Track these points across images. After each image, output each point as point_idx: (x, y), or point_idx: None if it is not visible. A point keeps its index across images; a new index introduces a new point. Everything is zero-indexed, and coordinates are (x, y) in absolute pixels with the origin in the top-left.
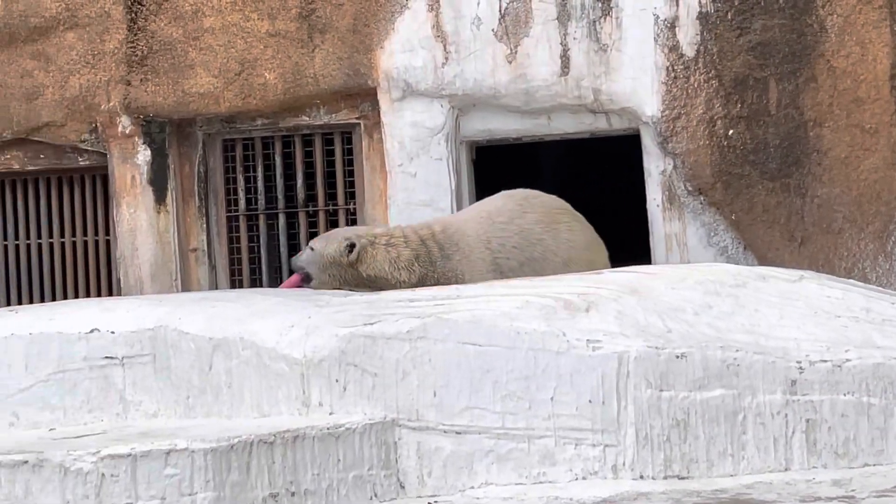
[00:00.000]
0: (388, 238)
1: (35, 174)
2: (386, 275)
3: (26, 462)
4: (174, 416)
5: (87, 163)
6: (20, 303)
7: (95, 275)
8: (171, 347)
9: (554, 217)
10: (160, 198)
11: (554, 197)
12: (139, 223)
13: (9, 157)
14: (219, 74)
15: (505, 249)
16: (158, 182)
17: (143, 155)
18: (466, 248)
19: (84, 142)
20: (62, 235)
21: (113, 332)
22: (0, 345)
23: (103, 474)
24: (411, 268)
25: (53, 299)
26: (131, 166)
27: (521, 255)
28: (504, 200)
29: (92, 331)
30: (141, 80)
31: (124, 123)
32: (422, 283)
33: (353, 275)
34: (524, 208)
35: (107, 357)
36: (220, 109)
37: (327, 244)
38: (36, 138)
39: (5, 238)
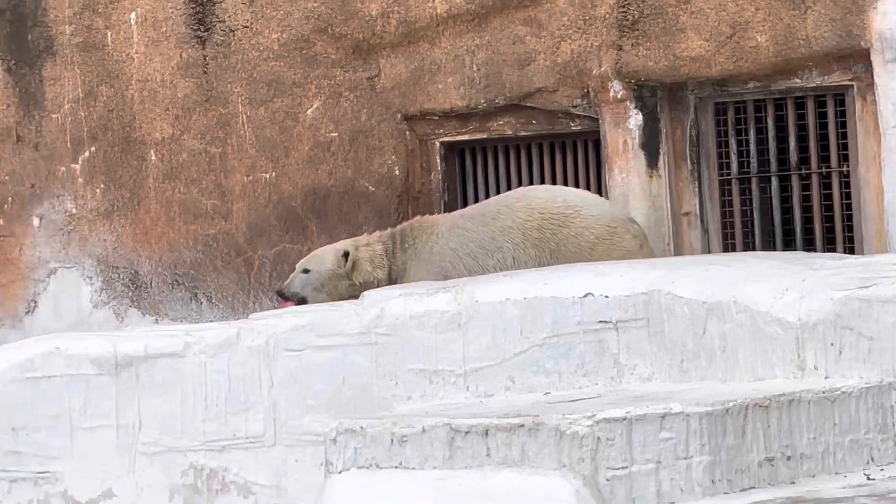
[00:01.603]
0: (367, 239)
1: (527, 140)
2: (368, 275)
3: (522, 425)
4: (668, 379)
5: (579, 128)
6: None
7: None
8: (665, 311)
9: (530, 225)
10: (652, 162)
11: (561, 195)
12: (631, 188)
13: (501, 122)
14: (710, 38)
15: (457, 257)
16: (650, 146)
17: (635, 119)
18: (420, 246)
19: (576, 107)
20: None
21: (606, 297)
22: (496, 309)
23: (599, 438)
24: (382, 263)
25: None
26: (623, 131)
27: (472, 264)
28: (489, 203)
29: (586, 295)
30: (632, 44)
31: (616, 88)
32: (389, 277)
33: (347, 286)
34: (499, 213)
35: (601, 321)
36: (711, 73)
37: (322, 262)
38: (527, 104)
39: None
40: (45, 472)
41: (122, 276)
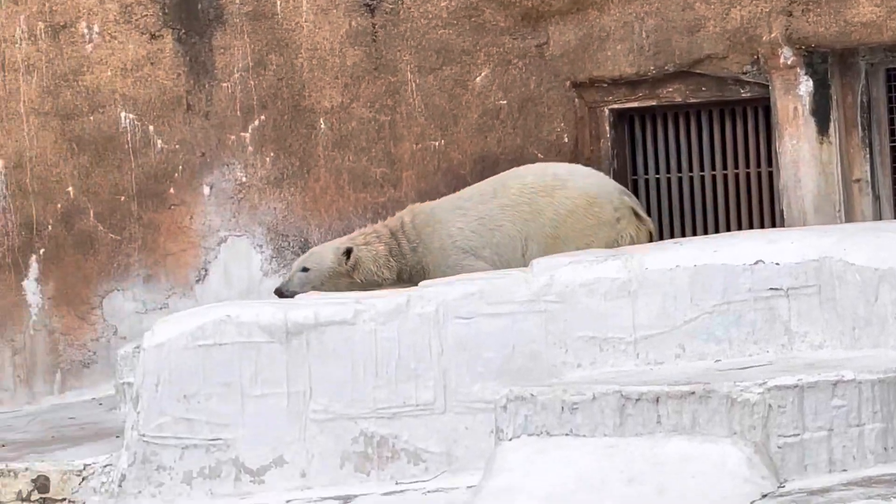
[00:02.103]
0: (365, 237)
1: (697, 106)
2: (372, 275)
3: (693, 393)
4: (839, 347)
5: (749, 94)
6: (686, 234)
7: (758, 206)
8: (837, 278)
9: (522, 200)
10: (823, 129)
11: (552, 169)
12: (802, 154)
13: (671, 89)
14: (881, 3)
15: (464, 235)
16: (821, 113)
17: (806, 86)
18: (427, 239)
19: (746, 73)
20: (724, 167)
21: (777, 264)
22: (665, 276)
23: (770, 405)
24: (389, 264)
25: (717, 231)
26: (793, 97)
27: (481, 240)
28: (486, 182)
29: (756, 262)
30: (802, 10)
31: (786, 55)
32: (399, 277)
33: (348, 284)
34: (496, 192)
35: (772, 288)
36: (882, 39)
37: (321, 260)
38: (697, 71)
39: (668, 171)
40: (216, 440)
41: (291, 245)
